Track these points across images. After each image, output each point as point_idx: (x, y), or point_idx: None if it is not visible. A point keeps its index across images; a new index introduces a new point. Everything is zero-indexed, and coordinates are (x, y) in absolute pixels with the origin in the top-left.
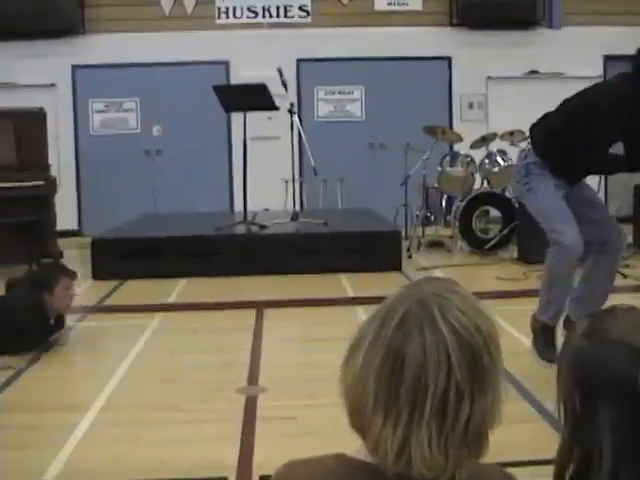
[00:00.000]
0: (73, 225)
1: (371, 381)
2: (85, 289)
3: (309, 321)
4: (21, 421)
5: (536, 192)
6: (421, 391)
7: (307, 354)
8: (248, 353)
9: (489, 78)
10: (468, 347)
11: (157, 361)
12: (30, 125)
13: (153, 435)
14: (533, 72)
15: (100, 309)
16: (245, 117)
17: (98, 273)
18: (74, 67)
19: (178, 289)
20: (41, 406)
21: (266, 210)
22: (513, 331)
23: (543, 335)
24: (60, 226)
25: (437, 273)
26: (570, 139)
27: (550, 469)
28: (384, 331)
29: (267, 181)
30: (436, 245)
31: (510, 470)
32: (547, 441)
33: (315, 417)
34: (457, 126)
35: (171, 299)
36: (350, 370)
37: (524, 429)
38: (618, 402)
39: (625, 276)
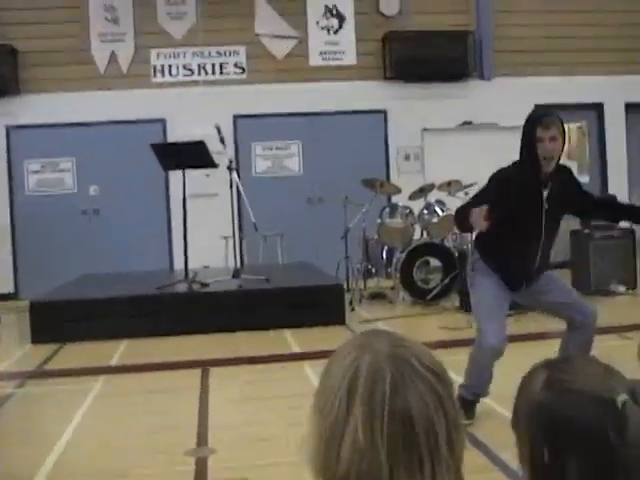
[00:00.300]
0: (9, 288)
1: (381, 446)
2: (23, 354)
3: (256, 379)
4: None
5: (474, 288)
6: (433, 437)
7: (255, 413)
8: (195, 414)
9: (425, 130)
10: (449, 385)
11: (102, 426)
12: None
13: None
14: (467, 123)
15: (40, 374)
16: (184, 175)
17: (37, 336)
18: (8, 127)
19: (120, 350)
20: None
21: (206, 267)
22: (460, 380)
23: (463, 407)
24: None
25: (380, 325)
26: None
27: None
28: (378, 398)
29: (206, 238)
30: (378, 297)
31: None
32: None
33: (267, 477)
34: (394, 178)
35: (113, 361)
36: (346, 449)
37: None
38: (590, 455)
39: None
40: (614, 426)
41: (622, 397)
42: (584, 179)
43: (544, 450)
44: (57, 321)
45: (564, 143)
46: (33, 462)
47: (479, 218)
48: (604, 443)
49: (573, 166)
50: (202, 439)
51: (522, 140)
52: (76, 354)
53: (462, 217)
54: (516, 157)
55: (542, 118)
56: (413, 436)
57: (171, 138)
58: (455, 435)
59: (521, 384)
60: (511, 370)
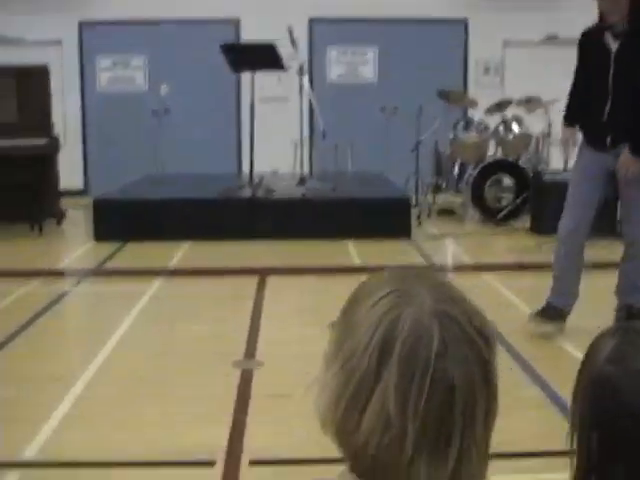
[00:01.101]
0: (79, 185)
1: (414, 420)
2: (85, 251)
3: (312, 290)
4: (1, 394)
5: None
6: (470, 414)
7: (309, 326)
8: (247, 324)
9: (506, 42)
10: (495, 352)
11: (152, 331)
12: (33, 82)
13: (139, 414)
14: (552, 37)
15: (100, 272)
16: (253, 78)
17: (100, 235)
18: (81, 23)
19: (181, 253)
20: (23, 378)
21: (274, 172)
22: (522, 305)
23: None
24: (65, 185)
25: (447, 241)
26: None
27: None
28: (420, 362)
29: (276, 143)
30: (447, 213)
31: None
32: (558, 429)
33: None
34: (472, 91)
35: (173, 263)
36: (368, 417)
37: (534, 417)
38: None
39: None
40: None
41: None
42: None
43: (594, 437)
44: (120, 220)
45: None
46: (81, 363)
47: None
48: None
49: None
50: (250, 351)
51: None
52: (136, 254)
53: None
54: None
55: None
56: (450, 412)
57: (244, 39)
58: (493, 412)
59: (587, 351)
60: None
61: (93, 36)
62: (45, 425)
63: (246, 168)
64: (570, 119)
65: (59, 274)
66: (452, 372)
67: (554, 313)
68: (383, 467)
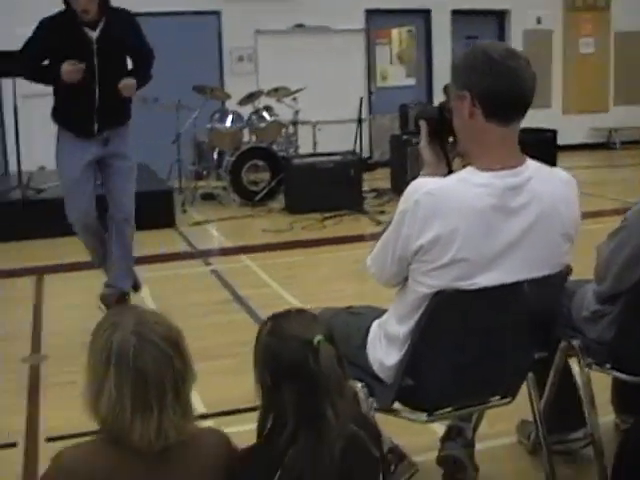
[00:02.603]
0: None
1: (127, 399)
2: None
3: (89, 285)
4: None
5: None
6: (162, 388)
7: (88, 319)
8: (30, 322)
9: (257, 32)
10: (176, 347)
11: None
12: None
13: None
14: (299, 25)
15: None
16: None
17: None
18: None
19: None
20: None
21: (42, 168)
22: (271, 282)
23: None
24: None
25: (210, 227)
26: None
27: None
28: (124, 365)
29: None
30: (209, 197)
31: None
32: None
33: None
34: (229, 80)
35: None
36: (104, 400)
37: None
38: (296, 380)
39: (379, 222)
40: (312, 357)
41: (318, 338)
42: (411, 81)
43: (267, 377)
44: None
45: None
46: None
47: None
48: (306, 369)
49: (402, 69)
50: (36, 347)
51: None
52: None
53: None
54: (347, 61)
55: None
56: (147, 389)
57: None
58: (182, 380)
59: (258, 331)
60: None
61: None
62: None
63: (12, 167)
64: None
65: None
66: (145, 366)
67: None
68: (117, 428)
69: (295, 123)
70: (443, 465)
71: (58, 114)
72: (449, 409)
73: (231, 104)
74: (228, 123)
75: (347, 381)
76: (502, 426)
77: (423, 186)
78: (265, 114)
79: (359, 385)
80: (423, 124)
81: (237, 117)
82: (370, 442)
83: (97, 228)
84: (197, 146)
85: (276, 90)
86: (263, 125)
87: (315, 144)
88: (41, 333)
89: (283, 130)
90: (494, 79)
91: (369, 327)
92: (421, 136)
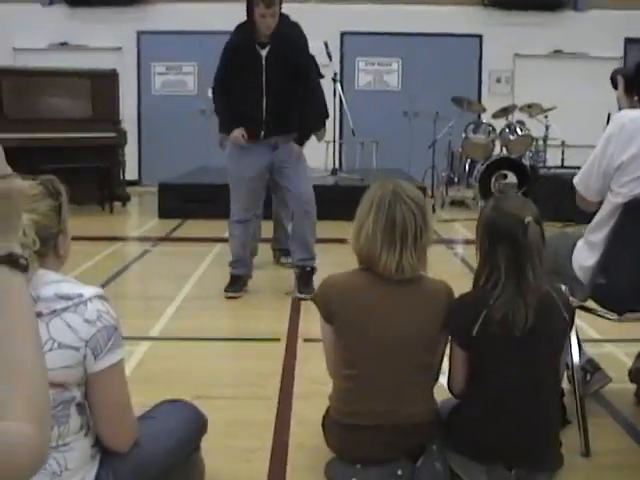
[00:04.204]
0: (134, 175)
1: (379, 235)
2: (152, 225)
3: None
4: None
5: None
6: (405, 233)
7: None
8: None
9: (517, 55)
10: (420, 208)
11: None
12: (104, 84)
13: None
14: (557, 51)
15: (169, 239)
16: None
17: (163, 213)
18: (139, 32)
19: None
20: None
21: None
22: None
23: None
24: None
25: (456, 225)
26: None
27: None
28: (381, 211)
29: (309, 142)
30: (458, 204)
31: None
32: None
33: None
34: (485, 98)
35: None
36: (363, 234)
37: None
38: (507, 246)
39: None
40: (522, 232)
41: (528, 218)
42: None
43: (486, 242)
44: (180, 201)
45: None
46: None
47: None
48: (517, 239)
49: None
50: None
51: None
52: (195, 228)
53: None
54: (602, 87)
55: None
56: (394, 232)
57: None
58: (420, 233)
59: (482, 207)
60: None
61: (150, 44)
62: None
63: None
64: None
65: (138, 239)
66: (394, 215)
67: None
68: (369, 256)
69: (545, 139)
70: (636, 379)
71: (227, 120)
72: (639, 313)
73: (486, 117)
74: (481, 134)
75: (545, 254)
76: None
77: (626, 115)
78: (517, 128)
79: (563, 286)
80: (620, 79)
81: (490, 129)
82: (562, 306)
83: (248, 228)
84: (451, 154)
85: (529, 106)
86: (514, 138)
87: (563, 160)
88: None
89: (533, 144)
90: None
91: (576, 242)
92: (618, 88)
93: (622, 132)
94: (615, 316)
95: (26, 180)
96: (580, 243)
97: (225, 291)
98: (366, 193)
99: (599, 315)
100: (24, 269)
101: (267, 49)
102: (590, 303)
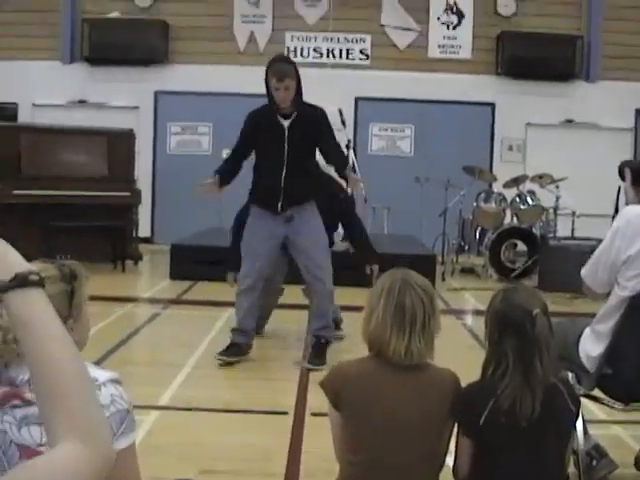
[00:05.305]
0: (147, 233)
1: (388, 319)
2: (163, 287)
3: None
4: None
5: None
6: (414, 318)
7: None
8: None
9: (528, 124)
10: (428, 295)
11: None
12: (121, 143)
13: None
14: (569, 121)
15: (180, 301)
16: None
17: (174, 273)
18: (156, 92)
19: None
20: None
21: None
22: None
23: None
24: None
25: (465, 295)
26: None
27: None
28: (391, 297)
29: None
30: (468, 272)
31: None
32: None
33: None
34: (497, 166)
35: None
36: (373, 319)
37: None
38: (515, 337)
39: None
40: (530, 323)
41: (536, 310)
42: None
43: (495, 333)
44: (192, 262)
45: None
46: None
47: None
48: (525, 331)
49: None
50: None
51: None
52: (207, 290)
53: None
54: (612, 157)
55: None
56: (403, 317)
57: None
58: (429, 320)
59: (491, 298)
60: None
61: (166, 104)
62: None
63: None
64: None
65: (149, 301)
66: (404, 301)
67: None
68: (379, 342)
69: (556, 209)
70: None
71: (252, 191)
72: None
73: (497, 186)
74: (492, 203)
75: (553, 344)
76: None
77: (632, 210)
78: (528, 198)
79: (569, 374)
80: (628, 171)
81: (501, 198)
82: (568, 398)
83: (255, 296)
84: (462, 222)
85: (540, 177)
86: (525, 208)
87: (573, 231)
88: None
89: (543, 214)
90: None
91: (583, 330)
92: (626, 180)
93: (628, 227)
94: (621, 405)
95: (43, 263)
96: (587, 331)
97: (218, 354)
98: (376, 283)
99: (605, 404)
100: (39, 284)
101: (290, 120)
102: (596, 391)
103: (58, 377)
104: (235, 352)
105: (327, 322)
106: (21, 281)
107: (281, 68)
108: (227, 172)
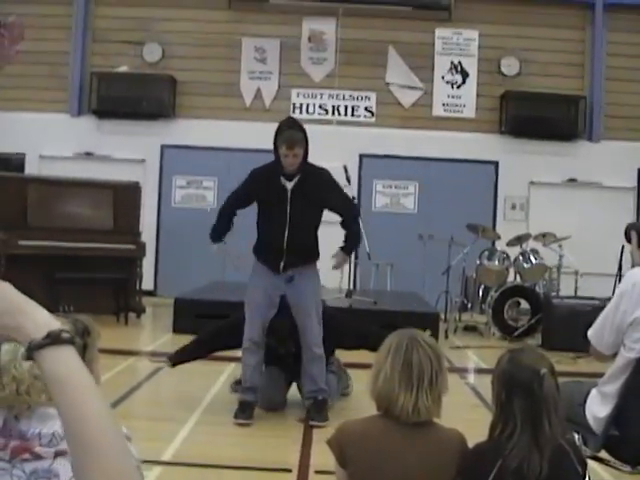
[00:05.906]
0: (150, 286)
1: (396, 376)
2: (166, 340)
3: None
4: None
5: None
6: (421, 375)
7: None
8: None
9: (532, 183)
10: (435, 353)
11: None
12: (127, 196)
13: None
14: (572, 180)
15: None
16: None
17: (178, 327)
18: (162, 146)
19: None
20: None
21: (322, 286)
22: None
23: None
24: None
25: (468, 353)
26: None
27: None
28: (399, 354)
29: (325, 261)
30: (471, 329)
31: None
32: None
33: None
34: (500, 224)
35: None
36: (381, 376)
37: None
38: (523, 397)
39: None
40: (538, 384)
41: (543, 370)
42: None
43: (502, 393)
44: (194, 316)
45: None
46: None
47: None
48: (533, 391)
49: None
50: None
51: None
52: None
53: None
54: (614, 216)
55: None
56: (411, 373)
57: None
58: (436, 377)
59: (498, 360)
60: None
61: (172, 158)
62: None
63: None
64: None
65: (152, 354)
66: (411, 358)
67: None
68: (386, 399)
69: (559, 268)
70: None
71: (255, 248)
72: None
73: (500, 244)
74: (496, 261)
75: (560, 405)
76: None
77: (638, 273)
78: (531, 256)
79: (576, 435)
80: (634, 234)
81: (505, 257)
82: (575, 459)
83: (260, 353)
84: (465, 279)
85: (543, 235)
86: (528, 266)
87: (576, 289)
88: None
89: (547, 273)
90: None
91: (589, 391)
92: (632, 242)
93: (634, 290)
94: (628, 468)
95: (58, 319)
96: (594, 392)
97: (235, 417)
98: (384, 342)
99: (612, 466)
100: (70, 342)
101: (294, 182)
102: (603, 453)
103: (94, 433)
104: (251, 412)
105: (318, 386)
106: (54, 339)
107: (292, 136)
108: (223, 233)
